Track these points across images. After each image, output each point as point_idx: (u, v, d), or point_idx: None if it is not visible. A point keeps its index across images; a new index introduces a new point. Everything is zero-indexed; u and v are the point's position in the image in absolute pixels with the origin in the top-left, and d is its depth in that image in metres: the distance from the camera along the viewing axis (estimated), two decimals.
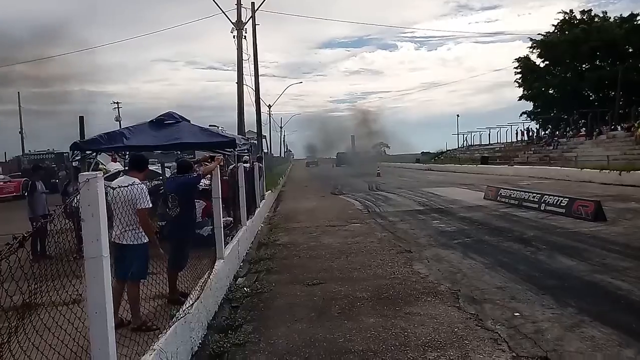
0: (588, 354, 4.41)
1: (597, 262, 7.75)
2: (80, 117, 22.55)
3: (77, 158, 11.33)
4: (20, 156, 38.32)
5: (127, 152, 13.90)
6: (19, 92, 51.76)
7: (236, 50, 24.04)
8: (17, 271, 2.27)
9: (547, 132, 48.76)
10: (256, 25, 29.61)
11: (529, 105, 53.29)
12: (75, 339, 3.12)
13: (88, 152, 11.24)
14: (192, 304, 5.00)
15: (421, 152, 72.14)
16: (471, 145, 59.97)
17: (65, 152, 29.46)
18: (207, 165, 7.10)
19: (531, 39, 50.84)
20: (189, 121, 11.78)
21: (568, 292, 6.24)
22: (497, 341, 4.79)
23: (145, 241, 5.11)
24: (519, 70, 52.52)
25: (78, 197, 3.11)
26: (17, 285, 2.31)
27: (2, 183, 26.62)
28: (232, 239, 8.57)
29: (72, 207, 3.49)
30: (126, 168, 9.58)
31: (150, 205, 5.13)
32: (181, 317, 4.55)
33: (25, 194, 11.47)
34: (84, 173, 3.22)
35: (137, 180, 5.12)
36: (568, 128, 44.53)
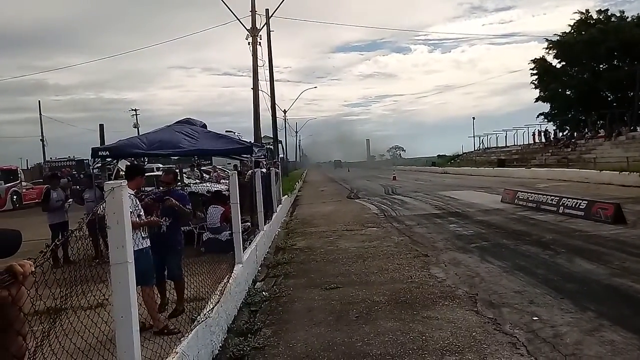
0: (608, 359, 4.39)
1: (617, 265, 7.67)
2: (100, 124, 23.11)
3: (97, 165, 11.59)
4: (42, 163, 39.14)
5: (145, 159, 14.11)
6: (39, 101, 53.10)
7: (251, 57, 24.30)
8: (48, 277, 2.38)
9: (564, 133, 48.10)
10: (270, 32, 29.86)
11: (545, 107, 52.54)
12: (102, 342, 3.23)
13: (108, 159, 11.48)
14: (213, 307, 5.09)
15: (437, 155, 71.82)
16: (487, 147, 59.39)
17: (85, 159, 30.04)
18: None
19: (547, 40, 50.17)
20: (206, 126, 11.97)
21: (587, 296, 6.20)
22: (516, 345, 4.78)
23: (141, 247, 5.04)
24: (535, 71, 51.82)
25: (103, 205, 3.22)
26: (50, 291, 2.41)
27: (25, 190, 27.24)
28: (250, 243, 8.67)
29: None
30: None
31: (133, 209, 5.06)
32: (202, 321, 4.65)
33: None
34: (109, 182, 3.33)
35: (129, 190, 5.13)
36: (586, 129, 43.87)
